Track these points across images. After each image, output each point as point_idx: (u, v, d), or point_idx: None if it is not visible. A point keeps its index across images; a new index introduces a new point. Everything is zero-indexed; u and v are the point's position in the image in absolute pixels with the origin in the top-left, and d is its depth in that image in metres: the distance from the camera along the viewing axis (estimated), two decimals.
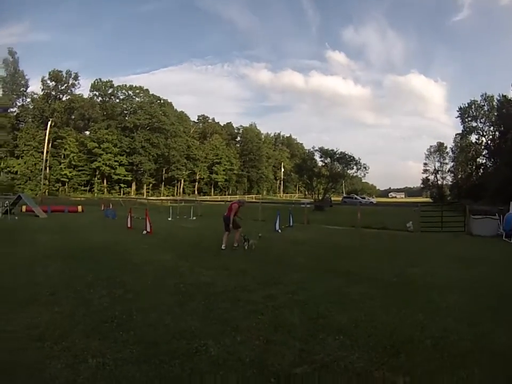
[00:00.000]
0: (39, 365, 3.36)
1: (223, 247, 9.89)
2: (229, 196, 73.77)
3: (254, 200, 61.41)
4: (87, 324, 4.36)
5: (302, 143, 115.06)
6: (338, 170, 37.92)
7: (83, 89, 70.70)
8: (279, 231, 14.62)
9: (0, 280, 6.50)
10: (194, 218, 22.33)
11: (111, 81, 74.37)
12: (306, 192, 54.59)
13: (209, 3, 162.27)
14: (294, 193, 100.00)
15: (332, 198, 43.84)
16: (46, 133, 53.21)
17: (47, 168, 61.74)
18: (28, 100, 66.06)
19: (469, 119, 54.17)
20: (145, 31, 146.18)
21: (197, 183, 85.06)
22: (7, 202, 25.67)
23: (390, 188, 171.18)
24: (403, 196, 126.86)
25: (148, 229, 14.01)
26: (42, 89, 65.55)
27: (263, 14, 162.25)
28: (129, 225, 15.86)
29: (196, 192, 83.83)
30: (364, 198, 53.56)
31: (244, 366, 3.26)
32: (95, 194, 64.96)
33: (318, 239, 12.39)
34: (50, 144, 61.10)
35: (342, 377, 3.09)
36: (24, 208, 26.91)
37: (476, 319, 4.56)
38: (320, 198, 36.56)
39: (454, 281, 6.65)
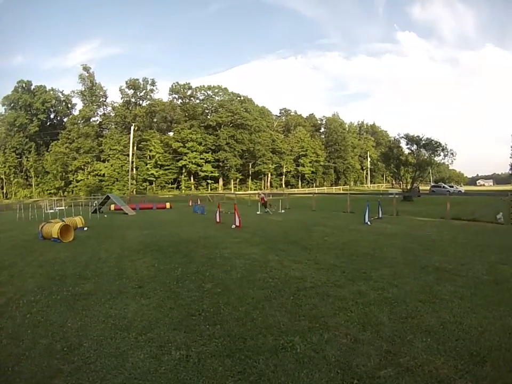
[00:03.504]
0: (122, 354, 3.68)
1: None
2: (316, 188, 76.01)
3: (341, 191, 62.63)
4: (174, 317, 4.63)
5: (386, 131, 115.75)
6: (425, 157, 37.75)
7: (162, 93, 77.79)
8: (369, 223, 14.45)
9: (90, 273, 7.25)
10: (282, 211, 22.92)
11: (189, 83, 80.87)
12: (394, 182, 54.55)
13: None
14: (381, 183, 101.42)
15: (420, 187, 42.81)
16: (130, 137, 59.01)
17: (134, 169, 69.26)
18: (109, 108, 76.47)
19: None
20: (214, 32, 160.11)
21: (283, 176, 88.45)
22: (95, 202, 28.92)
23: (477, 174, 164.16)
24: (491, 184, 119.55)
25: (237, 223, 14.50)
26: (121, 98, 75.22)
27: (327, 1, 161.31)
28: (218, 220, 16.58)
29: (283, 185, 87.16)
30: (452, 187, 49.72)
31: (328, 366, 3.31)
32: (183, 191, 70.94)
33: (407, 232, 11.87)
34: (135, 146, 68.23)
35: None
36: (112, 207, 30.32)
37: None
38: (408, 187, 37.07)
39: None
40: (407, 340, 3.75)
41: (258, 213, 21.86)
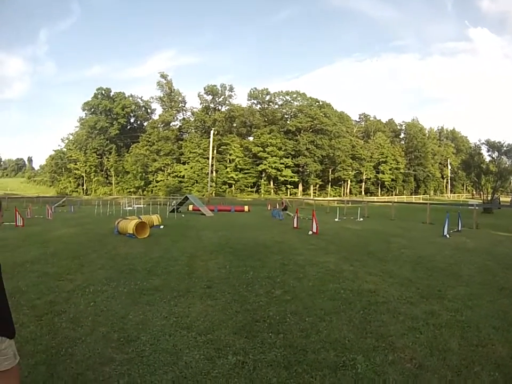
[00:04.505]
0: (178, 352, 3.74)
1: None
2: (395, 197, 74.47)
3: (421, 201, 60.75)
4: (238, 321, 4.63)
5: (466, 136, 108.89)
6: (507, 165, 36.72)
7: (240, 98, 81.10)
8: (447, 236, 13.87)
9: (160, 270, 7.57)
10: (361, 219, 22.73)
11: (267, 88, 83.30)
12: (474, 192, 53.43)
13: (343, 1, 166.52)
14: (462, 193, 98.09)
15: (500, 198, 40.53)
16: (210, 140, 62.06)
17: (214, 172, 73.10)
18: (188, 113, 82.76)
19: None
20: (286, 38, 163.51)
21: (363, 183, 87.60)
22: (174, 202, 30.40)
23: None
24: None
25: (314, 230, 14.43)
26: (200, 103, 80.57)
27: (395, 2, 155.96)
28: (295, 225, 16.63)
29: (363, 192, 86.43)
30: None
31: None
32: (262, 195, 73.17)
33: (486, 248, 11.20)
34: (215, 150, 71.89)
35: None
36: (191, 207, 31.82)
37: None
38: (488, 198, 35.59)
39: None
40: (474, 371, 3.48)
41: (336, 220, 21.89)
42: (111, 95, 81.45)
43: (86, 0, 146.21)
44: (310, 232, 14.22)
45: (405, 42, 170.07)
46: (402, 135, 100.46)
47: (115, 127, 79.32)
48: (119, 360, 3.51)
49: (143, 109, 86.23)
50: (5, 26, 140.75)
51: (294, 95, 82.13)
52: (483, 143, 37.62)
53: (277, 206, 29.67)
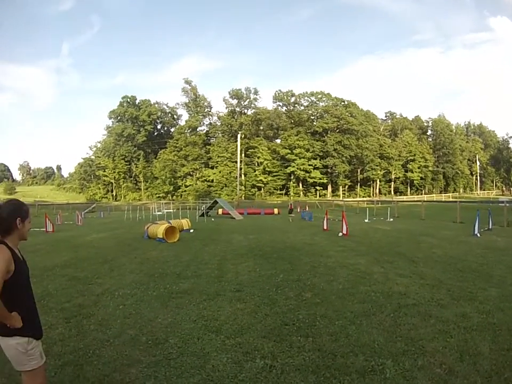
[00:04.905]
0: (205, 355, 3.74)
1: None
2: (425, 195, 72.73)
3: (450, 199, 60.18)
4: (267, 324, 4.62)
5: (494, 131, 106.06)
6: None
7: (266, 101, 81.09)
8: (478, 235, 13.84)
9: (190, 273, 7.62)
10: (391, 219, 22.66)
11: (291, 90, 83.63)
12: (504, 188, 48.60)
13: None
14: (491, 190, 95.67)
15: None
16: (237, 144, 62.99)
17: (242, 175, 73.76)
18: (215, 118, 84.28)
19: None
20: (308, 38, 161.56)
21: (392, 182, 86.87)
22: (203, 206, 30.77)
23: None
24: None
25: (344, 231, 14.33)
26: (226, 107, 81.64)
27: None
28: (325, 227, 16.65)
29: (392, 192, 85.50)
30: None
31: None
32: (291, 197, 72.36)
33: None
34: (243, 154, 72.42)
35: None
36: (220, 211, 32.12)
37: None
38: None
39: None
40: (504, 377, 3.36)
41: (366, 220, 21.89)
42: (137, 103, 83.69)
43: (106, 11, 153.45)
44: (340, 234, 14.22)
45: (425, 36, 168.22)
46: (429, 132, 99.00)
47: (142, 134, 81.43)
48: (146, 363, 3.56)
49: (169, 115, 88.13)
50: (29, 42, 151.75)
51: (319, 96, 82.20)
52: (511, 137, 36.39)
53: (290, 207, 29.67)
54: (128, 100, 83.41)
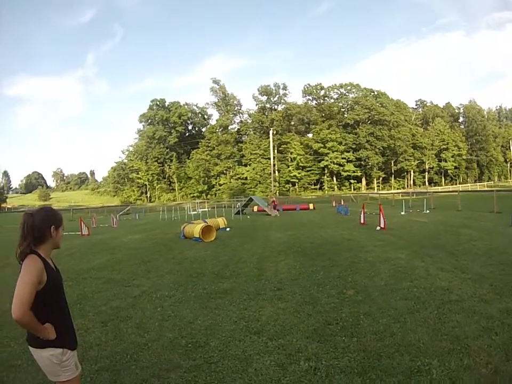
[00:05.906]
0: (247, 358, 3.64)
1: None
2: (460, 185, 70.08)
3: (486, 188, 59.36)
4: (310, 324, 4.49)
5: None
6: None
7: (295, 96, 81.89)
8: None
9: (229, 273, 7.57)
10: (427, 211, 22.12)
11: (320, 83, 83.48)
12: None
13: None
14: None
15: None
16: (269, 141, 63.28)
17: (276, 172, 74.55)
18: (245, 115, 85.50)
19: None
20: (332, 29, 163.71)
21: (426, 173, 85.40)
22: (238, 203, 30.98)
23: None
24: None
25: (382, 225, 14.07)
26: (256, 104, 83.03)
27: None
28: (362, 221, 16.36)
29: (427, 183, 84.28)
30: None
31: None
32: (325, 192, 73.17)
33: None
34: (275, 150, 72.96)
35: None
36: (255, 208, 32.32)
37: None
38: None
39: None
40: None
41: (402, 213, 21.62)
42: (166, 105, 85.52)
43: (127, 19, 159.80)
44: (378, 228, 14.01)
45: (448, 19, 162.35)
46: (461, 119, 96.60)
47: (173, 135, 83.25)
48: (186, 367, 3.50)
49: (200, 115, 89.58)
50: (54, 55, 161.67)
51: (348, 87, 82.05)
52: None
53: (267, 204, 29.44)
54: (158, 102, 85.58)
